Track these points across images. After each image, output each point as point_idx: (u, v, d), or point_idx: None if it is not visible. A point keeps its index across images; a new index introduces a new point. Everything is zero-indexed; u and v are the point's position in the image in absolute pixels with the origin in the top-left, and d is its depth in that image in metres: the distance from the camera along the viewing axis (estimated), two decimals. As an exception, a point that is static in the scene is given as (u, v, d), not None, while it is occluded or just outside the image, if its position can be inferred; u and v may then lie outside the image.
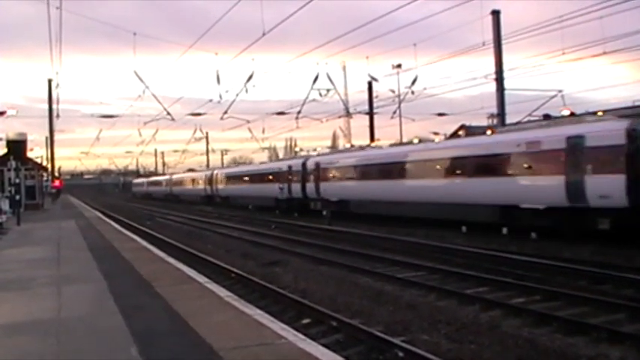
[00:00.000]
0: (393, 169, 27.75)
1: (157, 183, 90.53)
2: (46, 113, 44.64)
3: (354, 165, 32.18)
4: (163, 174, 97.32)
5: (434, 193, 24.09)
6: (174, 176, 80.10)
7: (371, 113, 42.73)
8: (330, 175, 34.27)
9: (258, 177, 45.46)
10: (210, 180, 58.97)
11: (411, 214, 25.53)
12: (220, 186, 56.09)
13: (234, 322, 6.97)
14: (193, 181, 67.62)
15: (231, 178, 53.84)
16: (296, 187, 37.83)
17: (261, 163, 60.26)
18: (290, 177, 38.83)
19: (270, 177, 42.27)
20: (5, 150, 39.77)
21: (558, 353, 7.87)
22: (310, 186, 36.04)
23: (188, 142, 76.03)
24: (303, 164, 37.29)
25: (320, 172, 35.10)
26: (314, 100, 39.71)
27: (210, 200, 58.53)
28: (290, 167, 39.30)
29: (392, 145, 34.92)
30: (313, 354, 5.56)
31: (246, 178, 48.78)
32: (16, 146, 39.20)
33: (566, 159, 18.26)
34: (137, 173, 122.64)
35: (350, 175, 32.24)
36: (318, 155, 40.39)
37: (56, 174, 58.76)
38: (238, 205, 48.70)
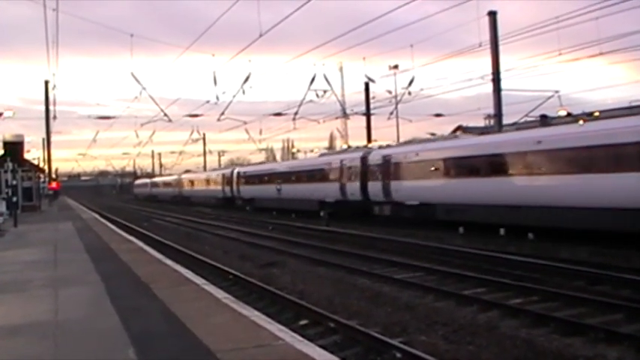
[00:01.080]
0: (514, 161, 20.72)
1: (164, 184, 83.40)
2: (43, 115, 44.49)
3: (448, 158, 24.14)
4: (169, 174, 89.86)
5: (595, 193, 17.25)
6: (185, 176, 72.76)
7: (368, 114, 42.76)
8: (407, 171, 26.56)
9: (295, 175, 39.05)
10: (230, 180, 51.48)
11: (540, 223, 19.13)
12: (243, 187, 48.52)
13: (231, 324, 6.96)
14: (208, 181, 60.21)
15: (257, 177, 45.75)
16: (352, 187, 31.13)
17: (294, 159, 55.25)
18: (343, 174, 32.27)
19: (313, 175, 36.25)
20: (2, 152, 39.68)
21: (556, 354, 7.87)
22: (375, 185, 28.80)
23: (185, 144, 75.77)
24: (363, 158, 30.60)
25: (392, 168, 27.65)
26: (311, 101, 39.68)
27: (229, 203, 51.55)
28: (343, 162, 32.64)
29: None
30: (311, 355, 5.54)
31: (279, 177, 40.97)
32: (13, 148, 39.14)
33: None
34: (135, 174, 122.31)
35: (441, 171, 24.28)
36: (384, 147, 32.45)
37: (53, 175, 58.67)
38: (266, 208, 41.79)
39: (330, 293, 12.22)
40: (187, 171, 77.35)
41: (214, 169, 66.37)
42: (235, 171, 51.46)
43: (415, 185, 25.79)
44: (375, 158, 29.62)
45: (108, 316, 7.52)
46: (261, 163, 60.86)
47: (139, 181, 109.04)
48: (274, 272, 15.56)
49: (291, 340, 6.11)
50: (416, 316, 10.07)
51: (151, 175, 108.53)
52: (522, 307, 10.55)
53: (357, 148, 37.06)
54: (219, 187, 54.18)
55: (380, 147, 33.31)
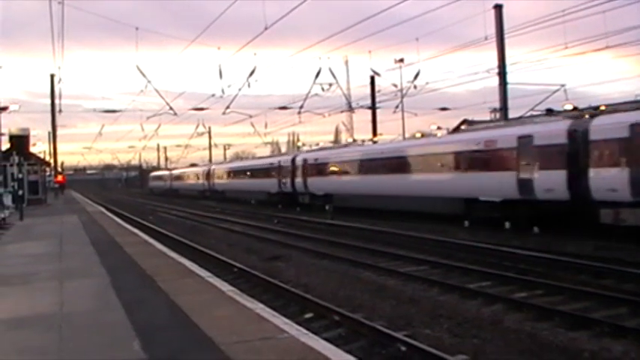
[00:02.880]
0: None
1: (188, 176, 72.39)
2: (49, 108, 44.65)
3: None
4: (192, 164, 79.17)
5: None
6: (218, 167, 61.90)
7: (373, 108, 42.72)
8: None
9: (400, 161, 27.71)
10: (290, 170, 40.19)
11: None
12: (316, 178, 36.86)
13: (236, 317, 6.97)
14: (254, 172, 48.96)
15: (345, 165, 34.15)
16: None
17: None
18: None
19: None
20: (8, 145, 39.81)
21: (560, 348, 7.87)
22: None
23: (191, 137, 75.55)
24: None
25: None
26: (316, 94, 39.68)
27: (288, 199, 40.23)
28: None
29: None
30: (315, 348, 5.55)
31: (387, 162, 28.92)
32: (19, 141, 39.33)
33: None
34: (140, 168, 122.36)
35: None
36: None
37: (59, 169, 58.83)
38: (358, 209, 30.10)
39: (334, 286, 12.24)
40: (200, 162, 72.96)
41: (261, 158, 55.71)
42: (300, 158, 39.80)
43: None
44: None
45: (113, 309, 7.55)
46: (338, 146, 47.32)
47: (156, 174, 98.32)
48: (279, 265, 15.59)
49: (296, 333, 6.12)
50: (420, 310, 10.07)
51: (164, 167, 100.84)
52: (527, 300, 10.55)
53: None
54: (273, 180, 42.80)
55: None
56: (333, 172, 34.88)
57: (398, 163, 27.45)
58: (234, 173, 55.14)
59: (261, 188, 45.03)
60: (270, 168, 44.24)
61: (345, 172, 33.44)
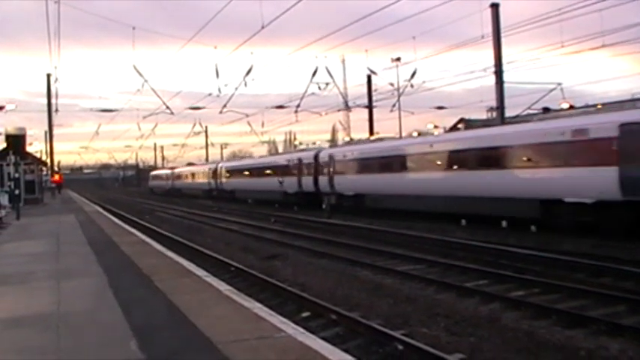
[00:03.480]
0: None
1: (193, 174, 67.09)
2: (45, 108, 44.64)
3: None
4: (197, 163, 74.30)
5: None
6: (227, 164, 57.09)
7: (370, 107, 42.72)
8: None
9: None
10: (316, 168, 36.20)
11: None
12: (341, 177, 33.15)
13: (233, 316, 6.97)
14: (265, 170, 45.24)
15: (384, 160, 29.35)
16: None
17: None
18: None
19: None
20: (4, 144, 39.71)
21: (558, 346, 7.88)
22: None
23: (187, 136, 75.14)
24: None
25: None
26: (313, 93, 39.63)
27: (311, 200, 35.73)
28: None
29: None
30: (313, 347, 5.55)
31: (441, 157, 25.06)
32: (16, 141, 39.08)
33: None
34: (137, 167, 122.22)
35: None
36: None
37: (56, 169, 58.69)
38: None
39: (332, 285, 12.24)
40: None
41: (275, 155, 52.44)
42: (324, 153, 36.04)
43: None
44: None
45: (110, 308, 7.54)
46: (371, 140, 38.39)
47: (156, 172, 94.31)
48: (276, 264, 15.59)
49: (293, 332, 6.11)
50: (418, 308, 10.08)
51: (166, 165, 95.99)
52: (524, 299, 10.56)
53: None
54: (292, 179, 39.09)
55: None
56: (368, 170, 30.27)
57: (458, 158, 23.51)
58: (246, 171, 50.54)
59: (277, 187, 40.88)
60: (287, 165, 39.98)
61: (385, 169, 28.58)
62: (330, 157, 34.45)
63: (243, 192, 49.31)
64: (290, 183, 39.19)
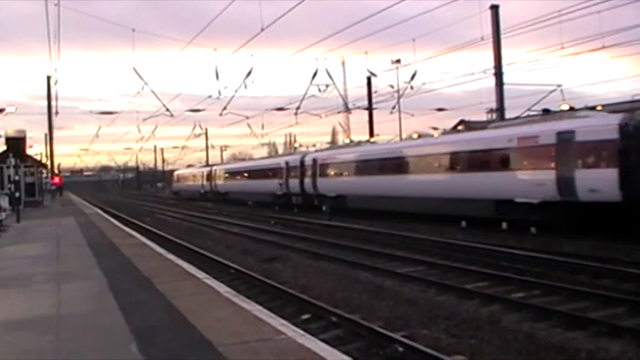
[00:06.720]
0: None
1: (240, 172, 53.03)
2: (45, 110, 44.62)
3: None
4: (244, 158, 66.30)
5: None
6: (288, 158, 42.41)
7: (370, 108, 42.73)
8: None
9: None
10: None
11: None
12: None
13: (233, 318, 6.96)
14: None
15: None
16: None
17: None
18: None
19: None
20: (4, 147, 39.71)
21: (558, 347, 7.87)
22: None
23: (187, 139, 75.05)
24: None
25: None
26: (313, 95, 39.66)
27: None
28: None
29: None
30: (313, 349, 5.54)
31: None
32: (16, 143, 39.11)
33: None
34: (137, 169, 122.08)
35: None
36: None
37: (56, 171, 58.68)
38: None
39: (332, 287, 12.23)
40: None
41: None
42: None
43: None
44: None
45: (110, 311, 7.53)
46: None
47: (184, 172, 76.94)
48: (276, 267, 15.58)
49: (293, 335, 6.11)
50: (418, 310, 10.07)
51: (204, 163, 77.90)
52: (524, 301, 10.57)
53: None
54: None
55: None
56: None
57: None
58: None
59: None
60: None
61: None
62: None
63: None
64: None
